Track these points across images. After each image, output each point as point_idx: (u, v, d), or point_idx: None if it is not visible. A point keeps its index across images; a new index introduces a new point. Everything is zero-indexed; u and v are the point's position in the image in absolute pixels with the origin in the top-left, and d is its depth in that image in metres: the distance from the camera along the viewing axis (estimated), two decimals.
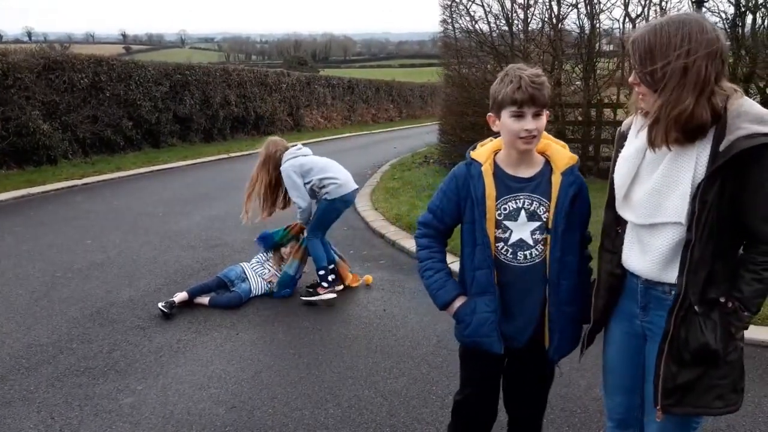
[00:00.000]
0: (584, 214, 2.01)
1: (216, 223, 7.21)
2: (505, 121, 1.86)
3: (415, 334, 4.01)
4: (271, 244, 4.88)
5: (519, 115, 1.82)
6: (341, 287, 4.80)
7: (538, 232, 1.93)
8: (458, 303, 2.02)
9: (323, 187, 4.43)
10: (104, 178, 10.50)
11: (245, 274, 4.72)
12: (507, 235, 1.93)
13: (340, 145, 18.01)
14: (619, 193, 1.77)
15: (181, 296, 4.42)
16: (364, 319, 4.30)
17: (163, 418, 2.99)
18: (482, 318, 1.97)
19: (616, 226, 1.84)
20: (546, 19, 10.37)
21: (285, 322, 4.26)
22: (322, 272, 4.54)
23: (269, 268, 4.79)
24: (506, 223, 1.92)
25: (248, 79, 18.16)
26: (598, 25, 10.03)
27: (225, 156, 14.13)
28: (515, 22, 10.51)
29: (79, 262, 5.60)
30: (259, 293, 4.68)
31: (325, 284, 4.54)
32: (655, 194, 1.65)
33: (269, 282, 4.73)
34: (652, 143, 1.62)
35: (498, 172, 1.94)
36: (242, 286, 4.63)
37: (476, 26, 10.94)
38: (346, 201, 4.54)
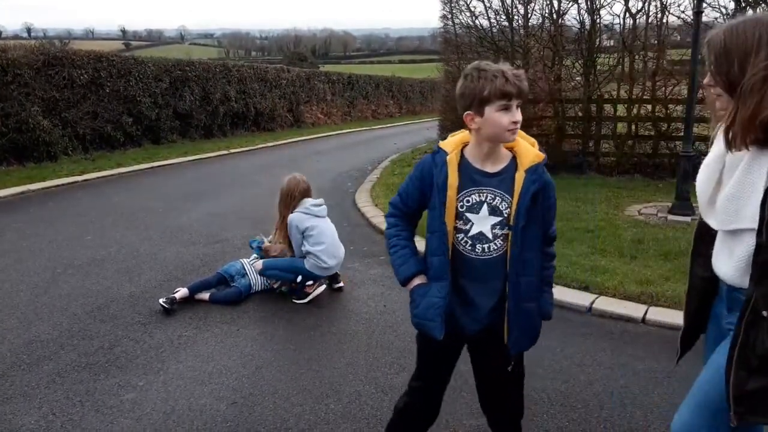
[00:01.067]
0: (547, 213, 2.02)
1: (216, 219, 7.21)
2: (491, 116, 1.87)
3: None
4: (258, 252, 4.91)
5: (506, 108, 1.86)
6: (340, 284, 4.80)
7: (498, 227, 1.96)
8: (417, 281, 2.07)
9: (309, 257, 4.52)
10: (104, 174, 10.49)
11: (245, 269, 4.73)
12: (468, 227, 1.97)
13: (340, 141, 18.01)
14: (701, 199, 1.75)
15: (182, 293, 4.42)
16: (364, 314, 4.30)
17: (164, 413, 3.00)
18: (431, 302, 2.01)
19: (710, 231, 1.78)
20: (546, 15, 10.36)
21: (285, 318, 4.26)
22: (299, 279, 4.53)
23: None
24: (468, 215, 1.96)
25: (248, 75, 18.13)
26: (598, 20, 10.01)
27: (225, 152, 14.13)
28: (515, 17, 10.51)
29: (79, 258, 5.60)
30: (259, 289, 4.68)
31: (309, 282, 4.54)
32: (734, 200, 1.61)
33: (269, 278, 4.74)
34: (730, 145, 1.58)
35: (464, 164, 1.97)
36: (242, 281, 4.64)
37: (476, 22, 10.96)
38: (318, 276, 4.62)
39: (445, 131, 11.87)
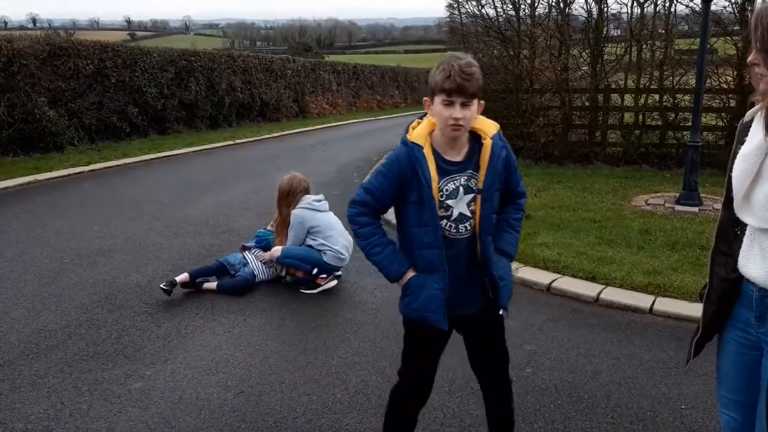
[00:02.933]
0: (513, 175, 2.13)
1: (222, 209, 7.22)
2: (436, 108, 1.94)
3: None
4: (264, 243, 4.90)
5: (449, 104, 1.89)
6: (339, 273, 4.80)
7: (472, 202, 2.03)
8: (411, 274, 2.08)
9: (321, 251, 4.57)
10: (110, 164, 10.50)
11: (246, 258, 4.74)
12: (449, 213, 2.02)
13: (346, 131, 17.97)
14: (737, 193, 1.57)
15: (182, 277, 4.45)
16: (371, 304, 4.30)
17: (172, 402, 3.01)
18: (431, 294, 2.03)
19: (734, 228, 1.64)
20: (553, 4, 10.29)
21: (292, 307, 4.27)
22: (315, 271, 4.56)
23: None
24: (448, 202, 2.01)
25: (253, 66, 18.08)
26: (605, 9, 9.94)
27: (231, 142, 14.11)
28: (522, 6, 10.45)
29: (86, 248, 5.62)
30: (264, 277, 4.69)
31: (323, 275, 4.58)
32: None
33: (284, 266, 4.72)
34: None
35: (435, 156, 2.00)
36: (245, 270, 4.65)
37: (483, 11, 10.89)
38: (334, 268, 4.69)
39: None
